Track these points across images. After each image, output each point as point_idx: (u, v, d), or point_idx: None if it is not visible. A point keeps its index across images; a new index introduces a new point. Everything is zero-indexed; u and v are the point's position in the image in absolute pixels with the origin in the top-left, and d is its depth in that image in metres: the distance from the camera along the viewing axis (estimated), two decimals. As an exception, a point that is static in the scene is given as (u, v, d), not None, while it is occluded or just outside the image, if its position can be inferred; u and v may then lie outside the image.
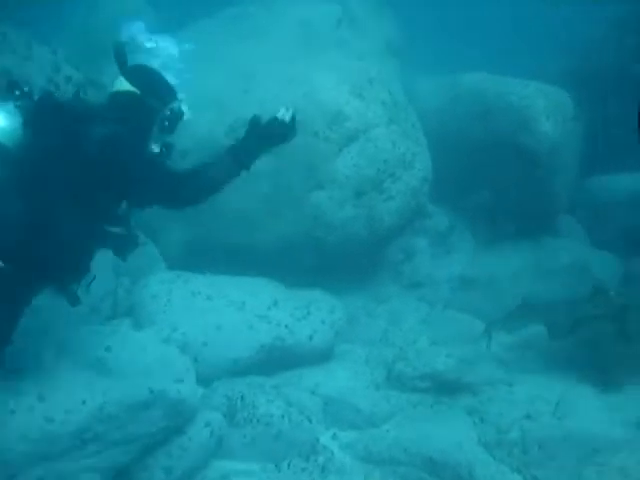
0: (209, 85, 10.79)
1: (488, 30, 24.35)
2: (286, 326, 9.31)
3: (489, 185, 12.74)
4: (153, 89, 6.32)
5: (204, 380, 8.36)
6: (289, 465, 7.63)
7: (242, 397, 8.21)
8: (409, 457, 7.86)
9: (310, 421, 8.24)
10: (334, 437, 8.31)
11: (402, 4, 16.10)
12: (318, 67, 11.53)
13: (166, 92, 6.43)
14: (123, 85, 6.25)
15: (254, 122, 6.25)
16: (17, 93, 5.69)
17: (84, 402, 6.46)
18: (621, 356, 8.75)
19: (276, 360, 9.13)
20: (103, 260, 6.31)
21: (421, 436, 8.10)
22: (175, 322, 8.92)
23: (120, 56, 6.27)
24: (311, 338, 9.40)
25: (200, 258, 10.42)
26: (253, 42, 12.28)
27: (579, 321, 9.13)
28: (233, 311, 9.38)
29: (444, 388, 9.06)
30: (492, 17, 23.94)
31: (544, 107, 12.56)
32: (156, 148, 6.29)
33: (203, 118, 10.45)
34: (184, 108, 6.48)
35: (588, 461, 5.07)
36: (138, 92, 6.19)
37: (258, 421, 8.01)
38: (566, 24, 18.13)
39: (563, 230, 13.46)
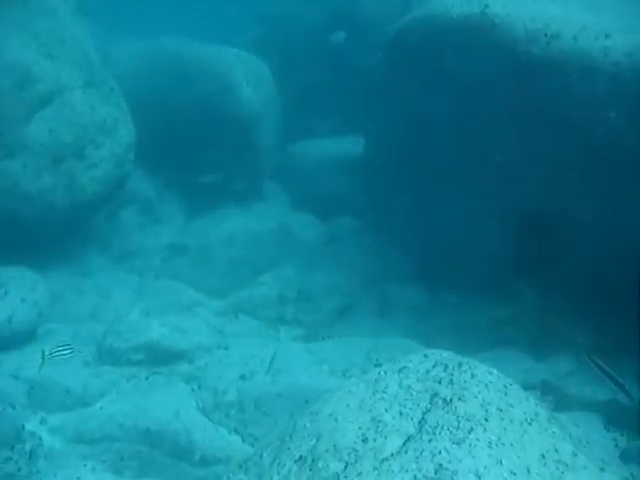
0: None
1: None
2: (-21, 309, 8.44)
3: (194, 152, 12.70)
4: None
5: None
6: (-9, 457, 6.95)
7: None
8: (124, 432, 7.60)
9: (14, 407, 7.59)
10: (42, 422, 7.79)
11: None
12: (0, 23, 10.43)
13: None
14: None
15: None
16: None
17: None
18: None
19: (-31, 347, 8.27)
20: None
21: (137, 409, 7.86)
22: None
23: None
24: (10, 320, 8.63)
25: None
26: None
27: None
28: None
29: (160, 358, 8.90)
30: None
31: (244, 73, 12.82)
32: None
33: None
34: None
35: (302, 412, 5.24)
36: None
37: (-52, 416, 7.19)
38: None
39: (268, 195, 13.87)
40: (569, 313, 8.65)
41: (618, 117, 8.08)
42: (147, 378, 8.56)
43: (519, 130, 8.83)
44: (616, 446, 6.97)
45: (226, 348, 9.22)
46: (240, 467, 5.11)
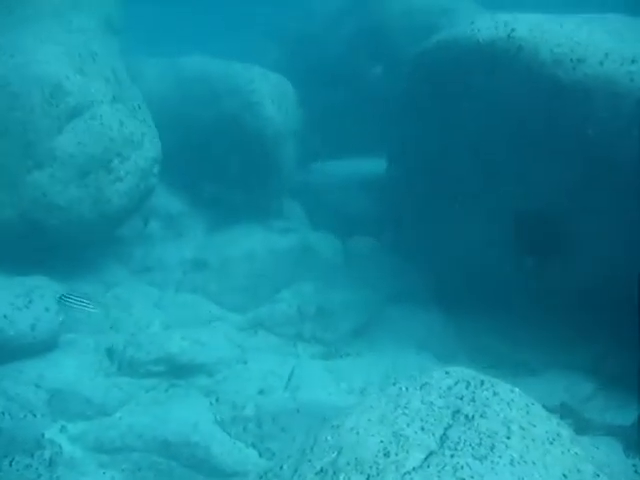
0: None
1: (209, 14, 24.43)
2: (5, 316, 8.54)
3: (217, 168, 12.83)
4: None
5: None
6: (11, 463, 7.03)
7: (-49, 397, 7.40)
8: (143, 443, 7.67)
9: (34, 415, 7.68)
10: (62, 430, 7.86)
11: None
12: (34, 38, 10.64)
13: None
14: None
15: None
16: None
17: None
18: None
19: (-7, 354, 8.35)
20: None
21: (156, 420, 7.93)
22: None
23: None
24: (33, 328, 8.72)
25: None
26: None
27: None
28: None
29: (179, 371, 8.95)
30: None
31: (268, 91, 12.92)
32: None
33: None
34: None
35: (323, 425, 5.27)
36: None
37: (-28, 421, 7.29)
38: (287, 13, 18.74)
39: (288, 212, 13.92)
40: (589, 335, 8.64)
41: (641, 143, 8.11)
42: (166, 390, 8.62)
43: (543, 152, 8.86)
44: (636, 472, 6.91)
45: (245, 363, 9.26)
46: (260, 478, 5.14)
